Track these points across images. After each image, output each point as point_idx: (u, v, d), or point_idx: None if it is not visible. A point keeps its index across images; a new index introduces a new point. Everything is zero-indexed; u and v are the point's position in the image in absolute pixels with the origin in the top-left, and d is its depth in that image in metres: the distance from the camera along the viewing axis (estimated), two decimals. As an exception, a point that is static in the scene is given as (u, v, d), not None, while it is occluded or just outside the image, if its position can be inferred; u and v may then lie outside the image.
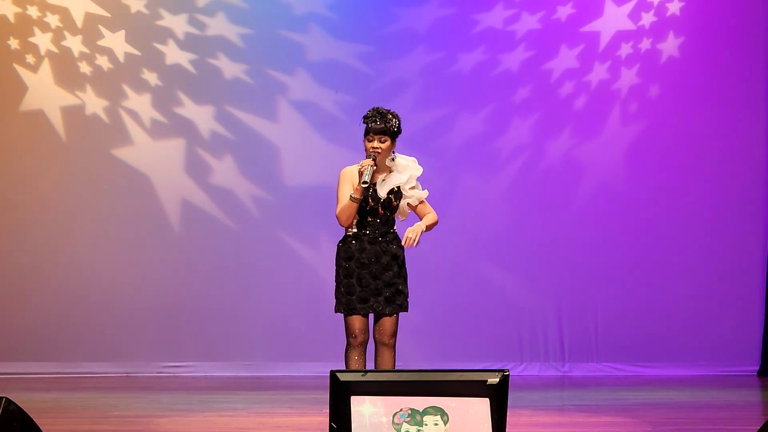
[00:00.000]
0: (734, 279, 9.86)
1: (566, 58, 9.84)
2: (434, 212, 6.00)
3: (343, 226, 5.87)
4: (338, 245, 5.93)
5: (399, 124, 5.82)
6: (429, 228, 5.93)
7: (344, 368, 5.74)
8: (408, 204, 5.92)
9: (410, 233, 5.78)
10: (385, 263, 5.84)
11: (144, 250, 9.66)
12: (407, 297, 5.92)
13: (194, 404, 7.66)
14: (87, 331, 9.59)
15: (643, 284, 9.81)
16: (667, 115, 9.88)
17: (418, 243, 5.79)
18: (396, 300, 5.86)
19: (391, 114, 5.81)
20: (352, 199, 5.77)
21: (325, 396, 4.09)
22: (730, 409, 7.49)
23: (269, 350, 9.69)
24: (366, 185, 5.70)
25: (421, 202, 5.97)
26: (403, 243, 5.81)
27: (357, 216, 5.85)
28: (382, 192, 5.84)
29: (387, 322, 5.86)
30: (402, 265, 5.91)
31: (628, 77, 9.86)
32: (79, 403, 7.75)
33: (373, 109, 5.83)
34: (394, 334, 5.88)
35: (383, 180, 5.85)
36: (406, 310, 5.90)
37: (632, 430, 6.39)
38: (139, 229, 9.67)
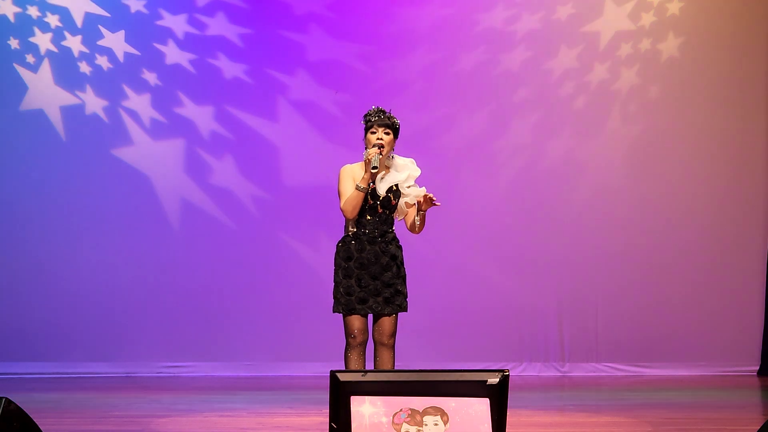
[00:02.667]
0: (734, 279, 9.86)
1: (566, 58, 9.84)
2: None
3: (349, 218, 5.87)
4: (337, 245, 5.94)
5: (399, 123, 5.90)
6: (422, 219, 5.88)
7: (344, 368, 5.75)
8: (406, 203, 5.93)
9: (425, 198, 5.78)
10: (384, 263, 5.85)
11: (144, 250, 9.66)
12: (406, 297, 5.93)
13: (194, 404, 7.66)
14: (87, 331, 9.59)
15: (643, 284, 9.81)
16: (667, 115, 9.88)
17: (428, 203, 5.77)
18: (395, 300, 5.86)
19: (391, 114, 5.91)
20: (358, 188, 5.79)
21: (325, 396, 4.09)
22: (730, 409, 7.49)
23: (269, 350, 9.69)
24: (375, 170, 5.72)
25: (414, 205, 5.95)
26: (420, 197, 5.78)
27: (356, 215, 5.86)
28: (381, 190, 5.85)
29: (386, 322, 5.87)
30: (401, 265, 5.93)
31: (628, 77, 9.85)
32: (79, 403, 7.76)
33: (375, 108, 5.92)
34: (394, 334, 5.89)
35: (382, 178, 5.86)
36: (405, 310, 5.92)
37: (632, 430, 6.39)
38: (139, 229, 9.67)
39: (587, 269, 9.79)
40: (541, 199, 9.82)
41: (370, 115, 5.88)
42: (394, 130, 5.87)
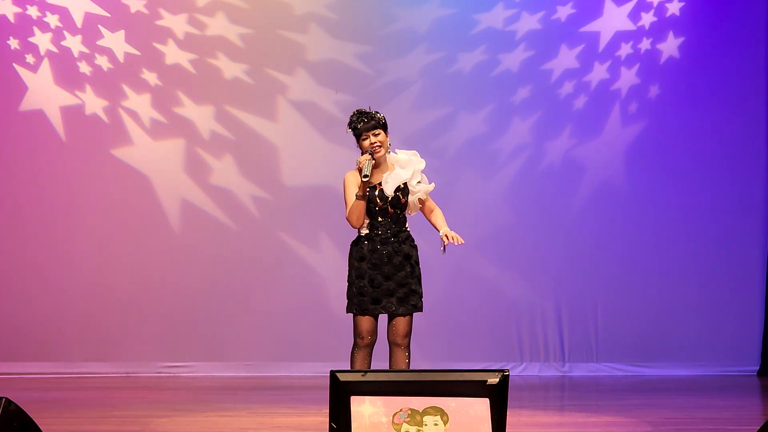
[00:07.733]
0: (734, 279, 9.86)
1: (566, 58, 9.84)
2: (437, 207, 5.98)
3: (355, 227, 5.84)
4: (351, 246, 5.91)
5: (384, 116, 5.83)
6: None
7: (346, 368, 5.72)
8: (418, 199, 5.89)
9: (449, 234, 5.77)
10: (397, 263, 5.81)
11: (144, 250, 9.65)
12: (421, 297, 5.87)
13: (194, 404, 7.65)
14: (87, 331, 9.59)
15: (643, 284, 9.82)
16: (667, 115, 9.89)
17: (458, 241, 5.79)
18: (410, 300, 5.82)
19: (372, 110, 5.83)
20: (357, 197, 5.76)
21: (325, 396, 4.09)
22: (730, 409, 7.50)
23: (269, 350, 9.69)
24: (367, 179, 5.69)
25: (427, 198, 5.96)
26: (449, 241, 5.78)
27: (368, 217, 5.82)
28: (389, 190, 5.80)
29: (400, 322, 5.82)
30: (415, 265, 5.87)
31: (628, 77, 9.86)
32: (79, 403, 7.75)
33: (355, 113, 5.83)
34: (408, 335, 5.83)
35: (387, 178, 5.82)
36: (420, 309, 5.86)
37: (632, 430, 6.39)
38: (139, 229, 9.67)
39: (587, 269, 9.80)
40: (541, 199, 9.83)
41: (354, 123, 5.79)
42: (383, 126, 5.80)
